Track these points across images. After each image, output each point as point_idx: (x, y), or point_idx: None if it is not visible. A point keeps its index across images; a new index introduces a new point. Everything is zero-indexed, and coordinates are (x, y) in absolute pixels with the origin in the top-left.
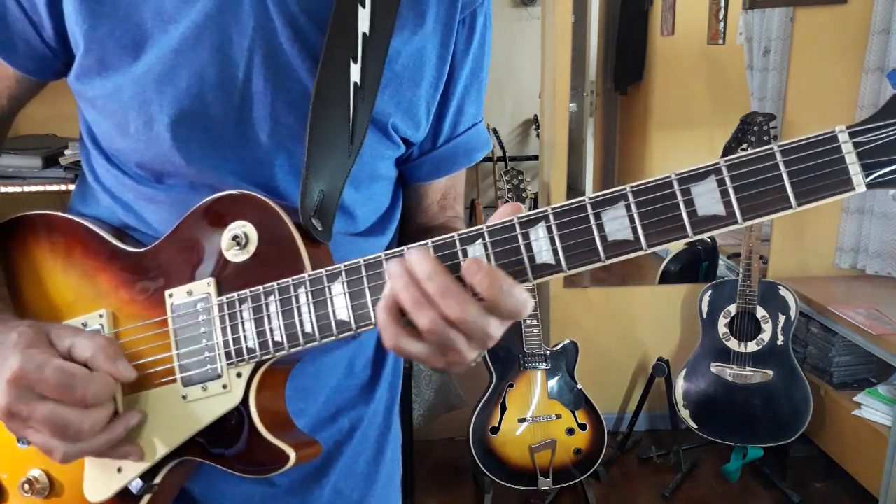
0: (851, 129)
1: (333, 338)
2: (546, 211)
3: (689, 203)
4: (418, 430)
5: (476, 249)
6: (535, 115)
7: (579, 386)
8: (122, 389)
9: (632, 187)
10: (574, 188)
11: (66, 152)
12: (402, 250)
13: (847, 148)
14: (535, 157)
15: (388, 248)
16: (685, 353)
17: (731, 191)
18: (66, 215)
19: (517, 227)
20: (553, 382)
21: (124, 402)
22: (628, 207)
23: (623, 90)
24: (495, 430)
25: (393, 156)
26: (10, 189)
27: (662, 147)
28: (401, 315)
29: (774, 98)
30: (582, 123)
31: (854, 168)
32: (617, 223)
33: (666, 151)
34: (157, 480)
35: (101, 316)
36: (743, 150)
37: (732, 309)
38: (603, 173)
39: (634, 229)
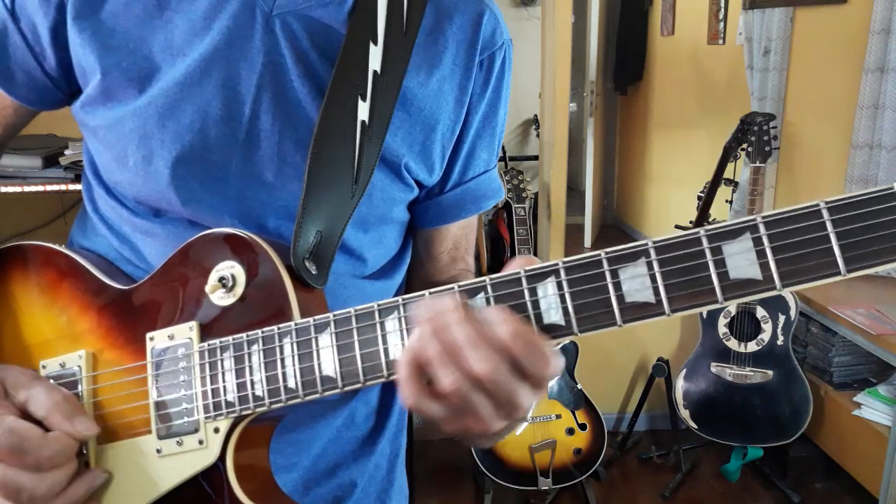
0: None
1: (318, 395)
2: (557, 265)
3: (720, 263)
4: (418, 430)
5: (477, 303)
6: (535, 115)
7: (579, 386)
8: (96, 438)
9: (654, 242)
10: (574, 188)
11: (66, 152)
12: (399, 300)
13: None
14: (535, 157)
15: (397, 293)
16: (685, 353)
17: (768, 251)
18: (53, 246)
19: (524, 280)
20: (553, 382)
21: (96, 453)
22: (650, 265)
23: (623, 90)
24: None
25: (405, 199)
26: (10, 189)
27: (662, 147)
28: (424, 371)
29: (774, 98)
30: (582, 123)
31: None
32: (636, 283)
33: (666, 151)
34: None
35: (80, 356)
36: (743, 150)
37: (732, 309)
38: (603, 173)
39: (656, 290)
